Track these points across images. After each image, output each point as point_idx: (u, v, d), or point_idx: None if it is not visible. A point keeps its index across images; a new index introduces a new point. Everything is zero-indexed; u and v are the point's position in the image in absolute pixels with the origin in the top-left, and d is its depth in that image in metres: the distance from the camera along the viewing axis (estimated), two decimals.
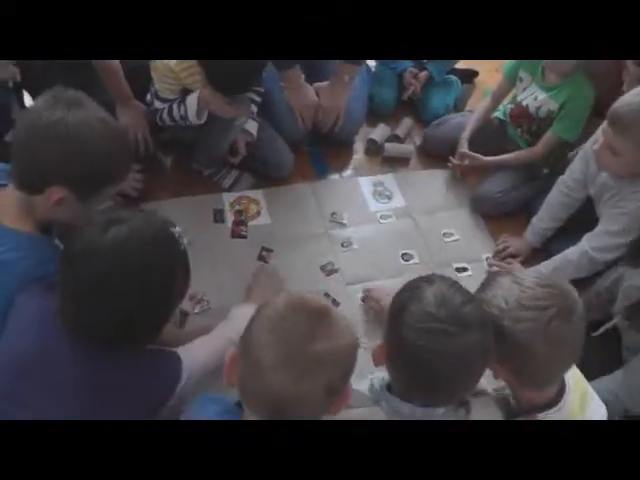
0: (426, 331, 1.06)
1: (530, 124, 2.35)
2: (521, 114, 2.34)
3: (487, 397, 1.25)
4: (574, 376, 1.30)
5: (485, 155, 2.38)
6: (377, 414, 1.16)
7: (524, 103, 2.30)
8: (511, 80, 2.38)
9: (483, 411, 1.19)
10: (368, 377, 1.28)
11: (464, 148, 2.39)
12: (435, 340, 1.05)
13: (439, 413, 1.13)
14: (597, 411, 1.29)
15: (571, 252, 1.99)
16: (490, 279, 1.24)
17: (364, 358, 1.85)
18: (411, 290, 1.13)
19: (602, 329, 1.82)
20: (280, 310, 0.96)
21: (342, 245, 2.22)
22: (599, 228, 1.96)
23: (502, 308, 1.16)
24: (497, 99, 2.47)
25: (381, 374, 1.25)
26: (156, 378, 1.20)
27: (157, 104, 2.04)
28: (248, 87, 2.02)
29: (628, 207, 1.86)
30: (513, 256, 2.25)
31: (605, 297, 1.87)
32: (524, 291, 1.16)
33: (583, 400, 1.28)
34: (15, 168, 1.24)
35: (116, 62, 2.01)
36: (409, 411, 1.14)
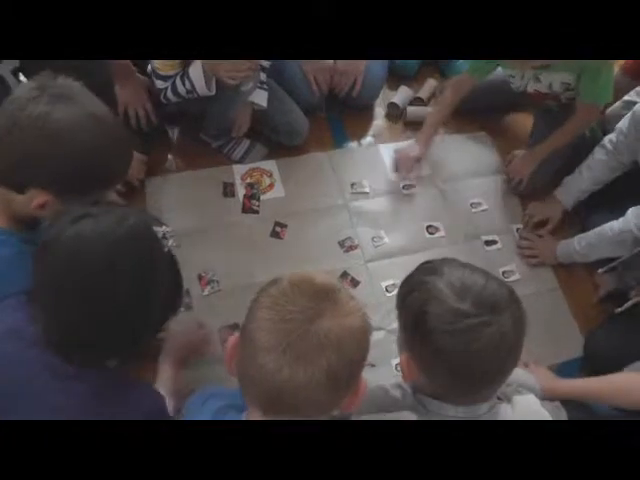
0: (460, 332, 0.93)
1: (558, 100, 2.11)
2: (539, 97, 2.10)
3: (531, 396, 1.13)
4: None
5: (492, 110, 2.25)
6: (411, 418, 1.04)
7: (530, 90, 2.07)
8: (480, 75, 2.12)
9: (527, 408, 1.09)
10: (397, 380, 1.15)
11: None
12: (472, 338, 0.93)
13: (484, 409, 1.03)
14: None
15: (611, 227, 1.80)
16: None
17: (387, 340, 1.78)
18: (420, 288, 1.00)
19: (625, 306, 1.75)
20: (283, 287, 0.86)
21: (363, 219, 2.07)
22: None
23: None
24: (458, 94, 2.16)
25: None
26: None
27: (158, 83, 1.88)
28: None
29: None
30: (543, 224, 2.09)
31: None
32: None
33: None
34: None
35: None
36: (453, 412, 1.02)
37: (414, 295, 1.01)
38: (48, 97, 1.05)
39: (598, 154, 1.96)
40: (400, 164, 2.20)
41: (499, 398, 1.08)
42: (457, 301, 0.94)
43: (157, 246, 1.00)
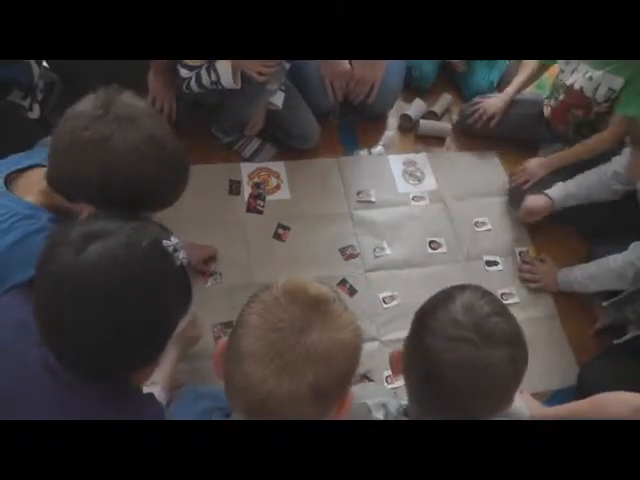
0: (447, 338, 0.94)
1: (588, 113, 2.07)
2: (576, 101, 2.06)
3: None
4: None
5: (520, 138, 2.31)
6: None
7: (577, 86, 2.04)
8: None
9: None
10: (382, 400, 1.13)
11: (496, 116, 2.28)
12: (454, 348, 0.93)
13: None
14: None
15: (614, 260, 1.79)
16: None
17: (380, 352, 1.77)
18: (441, 297, 1.02)
19: (624, 338, 1.75)
20: (275, 294, 0.84)
21: (366, 228, 2.07)
22: None
23: None
24: (533, 77, 2.31)
25: (395, 401, 1.12)
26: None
27: (183, 72, 1.88)
28: None
29: None
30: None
31: None
32: None
33: None
34: (50, 170, 1.12)
35: None
36: None
37: (432, 300, 1.03)
38: (112, 118, 1.05)
39: (596, 173, 1.95)
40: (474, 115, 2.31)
41: None
42: (460, 314, 0.95)
43: (169, 267, 0.96)
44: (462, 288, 1.01)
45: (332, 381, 0.82)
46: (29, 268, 0.95)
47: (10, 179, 1.18)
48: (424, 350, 0.97)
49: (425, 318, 1.00)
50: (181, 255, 0.97)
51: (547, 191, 2.04)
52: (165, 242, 0.95)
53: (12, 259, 1.10)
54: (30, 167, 1.21)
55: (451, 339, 0.93)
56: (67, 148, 1.06)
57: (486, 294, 1.00)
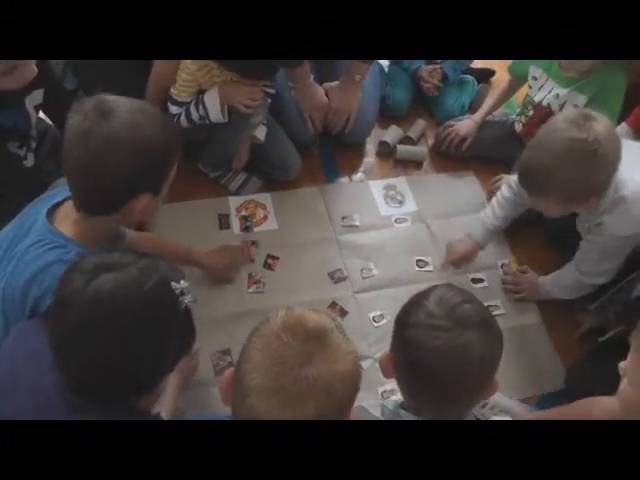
0: (423, 329, 1.03)
1: None
2: (545, 116, 2.09)
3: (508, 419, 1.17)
4: None
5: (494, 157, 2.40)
6: None
7: (544, 103, 2.13)
8: (518, 77, 2.29)
9: None
10: (379, 401, 1.20)
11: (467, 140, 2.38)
12: (430, 336, 1.02)
13: None
14: None
15: (565, 275, 1.90)
16: None
17: (373, 368, 1.83)
18: (416, 298, 1.11)
19: (608, 335, 1.78)
20: (275, 329, 0.89)
21: (352, 251, 2.14)
22: (579, 254, 1.84)
23: None
24: (503, 98, 2.41)
25: (392, 399, 1.18)
26: None
27: (173, 109, 1.96)
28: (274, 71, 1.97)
29: (595, 240, 1.74)
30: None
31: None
32: None
33: None
34: (77, 198, 1.20)
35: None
36: None
37: (408, 301, 1.12)
38: (97, 121, 1.12)
39: (505, 192, 1.99)
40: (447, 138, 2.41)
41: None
42: (433, 307, 1.05)
43: (174, 306, 1.01)
44: (434, 287, 1.10)
45: (333, 410, 0.86)
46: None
47: (50, 211, 1.25)
48: (406, 344, 1.05)
49: (404, 317, 1.09)
50: (187, 299, 1.02)
51: (471, 233, 2.05)
52: (173, 284, 1.01)
53: (41, 281, 1.16)
54: (66, 199, 1.27)
55: (428, 329, 1.02)
56: (80, 169, 1.14)
57: (455, 287, 1.10)
